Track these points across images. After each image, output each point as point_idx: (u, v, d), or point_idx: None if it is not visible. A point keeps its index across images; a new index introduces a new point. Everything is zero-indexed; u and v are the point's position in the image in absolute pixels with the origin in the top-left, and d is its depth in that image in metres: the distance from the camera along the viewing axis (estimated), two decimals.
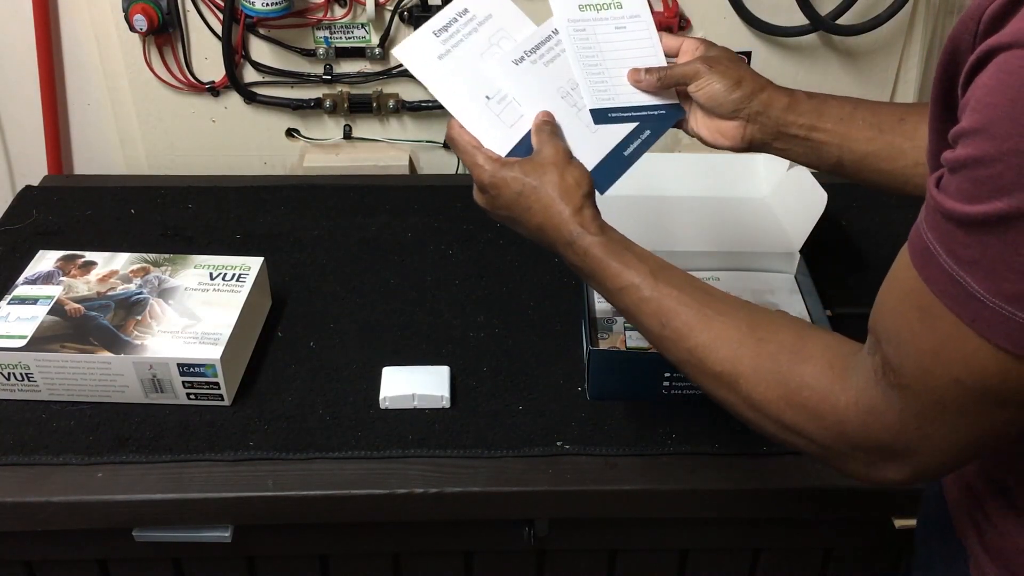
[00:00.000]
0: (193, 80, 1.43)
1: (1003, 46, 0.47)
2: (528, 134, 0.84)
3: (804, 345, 0.65)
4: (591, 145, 0.86)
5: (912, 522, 0.89)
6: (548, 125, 0.83)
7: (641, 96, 0.89)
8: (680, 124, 0.91)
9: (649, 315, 0.73)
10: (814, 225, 1.15)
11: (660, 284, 0.72)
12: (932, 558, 0.79)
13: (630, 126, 0.88)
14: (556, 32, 0.89)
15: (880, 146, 0.84)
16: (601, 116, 0.88)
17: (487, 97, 0.84)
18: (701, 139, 0.90)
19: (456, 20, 0.87)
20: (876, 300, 0.60)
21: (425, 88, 0.84)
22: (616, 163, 0.87)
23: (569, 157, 0.80)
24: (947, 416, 0.55)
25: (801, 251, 1.18)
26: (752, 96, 0.85)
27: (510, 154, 0.82)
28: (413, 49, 0.85)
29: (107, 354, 0.98)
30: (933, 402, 0.55)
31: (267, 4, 1.31)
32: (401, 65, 1.42)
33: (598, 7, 0.90)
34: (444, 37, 0.86)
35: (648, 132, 0.89)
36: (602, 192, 0.84)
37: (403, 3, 1.36)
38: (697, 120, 0.89)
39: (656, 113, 0.90)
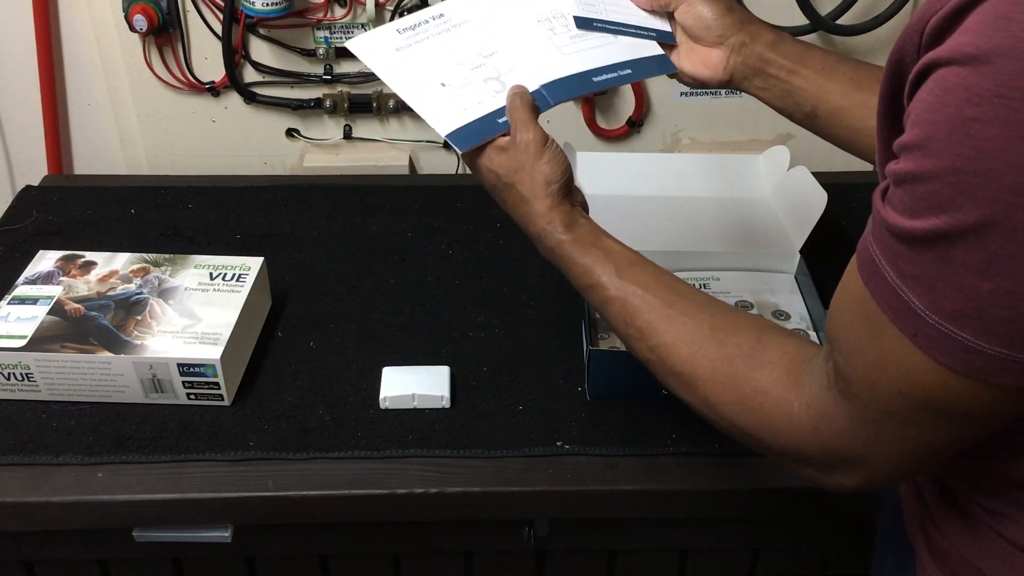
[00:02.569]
0: (193, 80, 1.43)
1: (942, 61, 0.47)
2: (483, 118, 0.80)
3: (762, 350, 0.65)
4: (557, 66, 0.84)
5: None
6: (521, 102, 0.79)
7: (633, 16, 0.88)
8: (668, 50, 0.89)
9: (614, 314, 0.73)
10: (814, 225, 1.15)
11: (625, 283, 0.72)
12: (886, 558, 0.80)
13: (604, 58, 0.86)
14: None
15: (856, 101, 0.84)
16: (585, 23, 0.87)
17: (442, 84, 0.82)
18: (682, 73, 0.89)
19: (427, 23, 0.85)
20: (829, 307, 0.60)
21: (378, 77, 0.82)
22: (579, 83, 0.85)
23: (543, 144, 0.77)
24: (894, 426, 0.56)
25: (801, 251, 1.18)
26: (740, 26, 0.85)
27: (458, 132, 0.79)
28: (370, 44, 0.83)
29: (107, 354, 0.98)
30: (880, 412, 0.56)
31: (267, 4, 1.31)
32: None
33: None
34: (408, 35, 0.84)
35: (629, 71, 0.87)
36: (553, 102, 0.82)
37: (403, 3, 1.36)
38: (680, 53, 0.89)
39: (644, 34, 0.88)
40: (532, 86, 0.83)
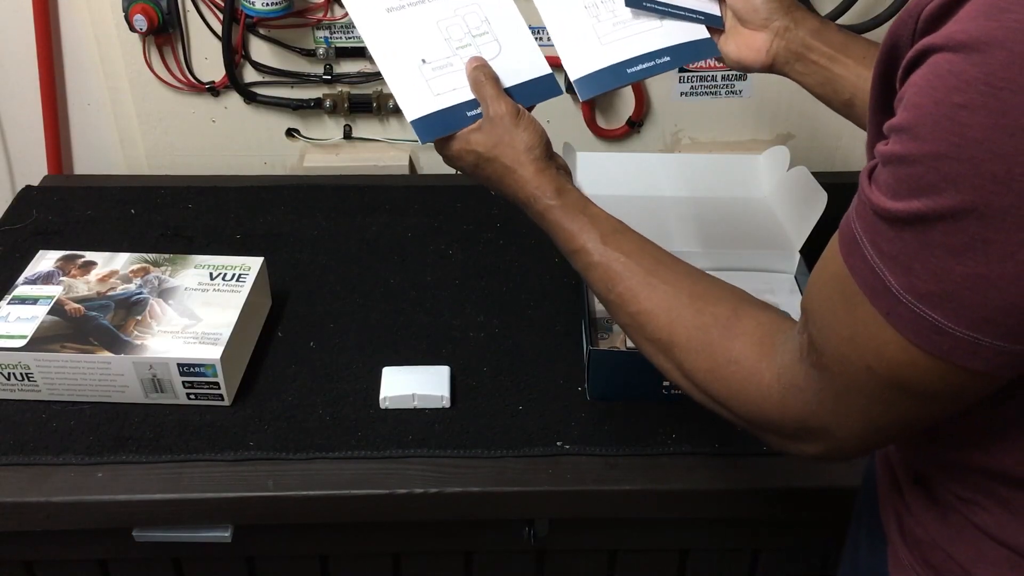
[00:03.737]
0: (193, 80, 1.43)
1: (935, 47, 0.48)
2: (453, 108, 0.80)
3: (738, 320, 0.66)
4: (596, 56, 0.85)
5: None
6: (486, 76, 0.81)
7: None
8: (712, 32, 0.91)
9: (597, 279, 0.75)
10: (814, 225, 1.15)
11: (609, 249, 0.74)
12: (859, 541, 0.81)
13: (644, 46, 0.87)
14: None
15: None
16: (635, 3, 0.88)
17: (423, 60, 0.80)
18: (726, 57, 0.91)
19: None
20: (808, 280, 0.61)
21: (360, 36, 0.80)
22: (613, 76, 0.86)
23: (517, 114, 0.79)
24: (860, 400, 0.57)
25: (801, 251, 1.18)
26: (786, 11, 0.88)
27: (425, 119, 0.79)
28: None
29: (107, 354, 0.98)
30: (847, 385, 0.57)
31: (267, 4, 1.31)
32: None
33: None
34: None
35: (667, 59, 0.88)
36: (582, 98, 0.85)
37: None
38: (725, 35, 0.91)
39: (692, 16, 0.89)
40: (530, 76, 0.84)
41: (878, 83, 0.56)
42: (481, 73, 0.81)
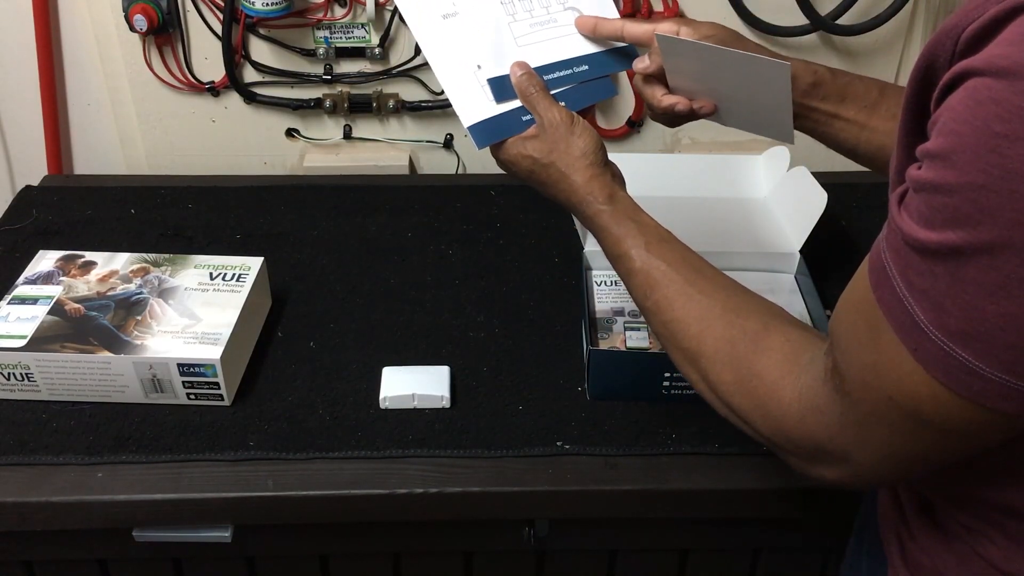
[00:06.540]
0: (193, 80, 1.43)
1: (975, 71, 0.46)
2: (509, 113, 0.80)
3: (767, 335, 0.66)
4: (510, 58, 0.84)
5: None
6: (535, 87, 0.81)
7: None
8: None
9: (636, 285, 0.76)
10: (814, 225, 1.15)
11: (652, 256, 0.75)
12: (859, 562, 0.80)
13: (560, 52, 0.85)
14: None
15: None
16: None
17: (478, 66, 0.81)
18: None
19: None
20: (837, 304, 0.60)
21: (418, 44, 0.82)
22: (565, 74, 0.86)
23: (572, 120, 0.80)
24: (880, 429, 0.56)
25: (801, 251, 1.18)
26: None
27: (481, 125, 0.79)
28: (418, 3, 0.81)
29: (107, 354, 0.98)
30: (868, 413, 0.56)
31: (267, 4, 1.31)
32: (401, 65, 1.42)
33: None
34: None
35: (585, 67, 0.86)
36: (497, 101, 0.83)
37: None
38: None
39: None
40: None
41: (911, 103, 0.53)
42: (529, 83, 0.81)
